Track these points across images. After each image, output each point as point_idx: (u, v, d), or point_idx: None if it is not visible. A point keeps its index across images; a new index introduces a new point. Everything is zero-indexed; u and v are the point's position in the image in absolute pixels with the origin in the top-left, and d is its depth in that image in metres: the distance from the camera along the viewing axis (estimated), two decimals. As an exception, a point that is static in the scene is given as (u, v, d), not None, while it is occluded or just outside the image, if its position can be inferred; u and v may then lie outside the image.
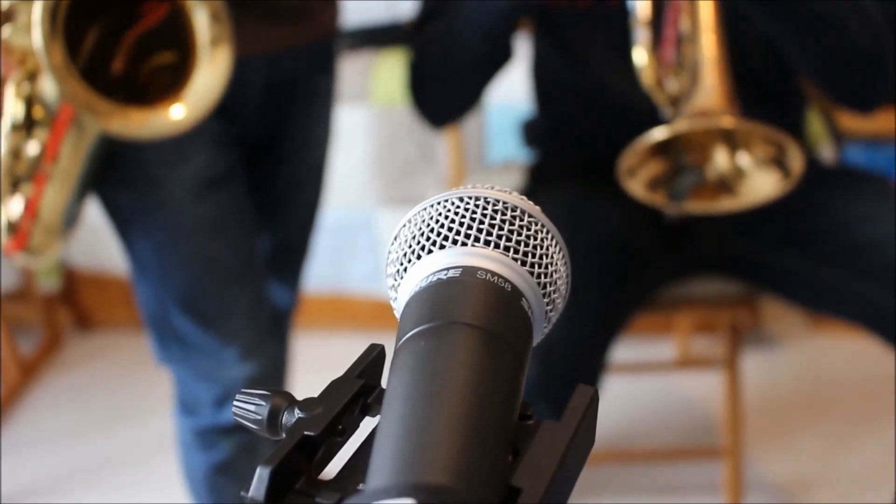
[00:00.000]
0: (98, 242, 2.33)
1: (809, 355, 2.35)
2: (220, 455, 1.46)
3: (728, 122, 1.22)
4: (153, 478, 2.07)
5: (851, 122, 2.17)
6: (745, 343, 2.30)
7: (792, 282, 1.55)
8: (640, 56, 1.32)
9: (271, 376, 1.48)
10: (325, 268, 2.40)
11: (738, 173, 1.31)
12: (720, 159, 1.32)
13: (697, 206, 1.33)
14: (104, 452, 2.19)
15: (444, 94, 1.53)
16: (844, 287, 1.46)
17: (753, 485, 1.93)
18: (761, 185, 1.30)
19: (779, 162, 1.27)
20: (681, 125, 1.23)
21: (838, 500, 1.89)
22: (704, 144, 1.33)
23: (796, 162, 1.25)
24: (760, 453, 2.03)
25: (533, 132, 1.73)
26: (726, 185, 1.31)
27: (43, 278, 2.54)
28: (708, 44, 1.22)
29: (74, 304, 2.67)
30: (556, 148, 1.71)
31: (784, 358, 2.34)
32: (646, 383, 2.23)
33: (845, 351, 2.30)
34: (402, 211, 2.37)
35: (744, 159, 1.30)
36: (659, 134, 1.24)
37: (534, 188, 1.67)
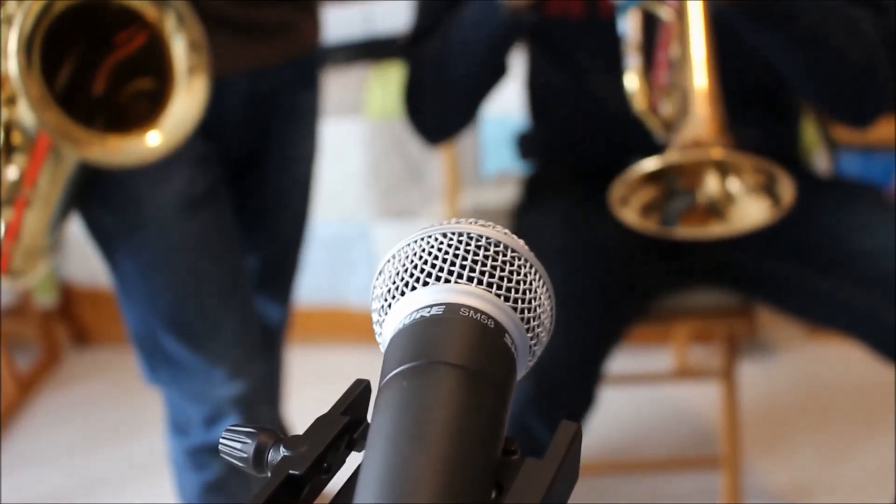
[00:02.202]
0: (94, 258, 2.32)
1: (806, 364, 2.35)
2: (213, 474, 1.46)
3: (719, 153, 1.22)
4: (150, 494, 2.07)
5: (845, 131, 2.17)
6: (743, 352, 2.30)
7: (787, 292, 1.55)
8: (632, 81, 1.33)
9: (261, 394, 1.48)
10: (322, 281, 2.41)
11: (729, 199, 1.32)
12: (711, 184, 1.33)
13: (687, 232, 1.34)
14: (102, 468, 2.19)
15: (441, 113, 1.54)
16: (838, 297, 1.46)
17: (752, 494, 1.93)
18: (751, 211, 1.30)
19: (769, 189, 1.27)
20: (671, 157, 1.23)
21: (836, 508, 1.90)
22: (695, 169, 1.33)
23: (787, 192, 1.25)
24: (758, 462, 2.03)
25: (528, 144, 1.73)
26: (716, 209, 1.32)
27: (40, 294, 2.54)
28: (699, 71, 1.22)
29: (72, 320, 2.67)
30: (551, 160, 1.71)
31: (781, 367, 2.35)
32: (643, 394, 2.23)
33: (842, 359, 2.30)
34: (397, 223, 2.38)
35: (734, 185, 1.31)
36: (649, 165, 1.24)
37: (529, 200, 1.67)
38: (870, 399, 2.15)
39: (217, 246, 1.37)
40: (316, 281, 2.35)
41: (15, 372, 2.45)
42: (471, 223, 0.49)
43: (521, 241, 0.49)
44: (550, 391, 1.37)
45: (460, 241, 0.48)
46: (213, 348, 1.38)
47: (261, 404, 1.47)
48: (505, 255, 0.48)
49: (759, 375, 2.29)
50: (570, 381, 1.42)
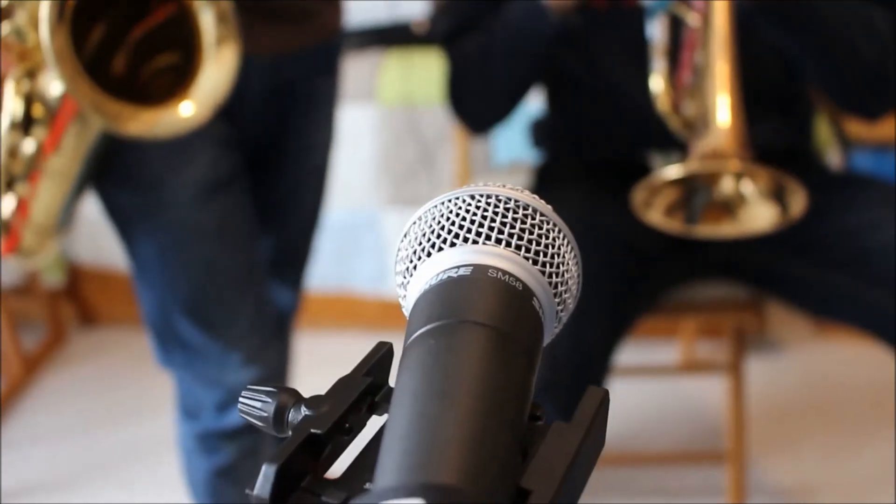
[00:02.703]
0: (102, 238, 2.32)
1: (814, 360, 2.34)
2: (223, 460, 1.45)
3: (737, 166, 1.27)
4: (155, 475, 2.06)
5: (859, 128, 2.16)
6: (750, 348, 2.29)
7: (798, 287, 1.55)
8: (657, 84, 1.38)
9: (275, 380, 1.47)
10: (331, 267, 2.40)
11: (741, 199, 1.36)
12: (726, 183, 1.37)
13: (706, 230, 1.38)
14: (107, 449, 2.19)
15: (486, 107, 1.59)
16: (851, 293, 1.46)
17: (757, 489, 1.93)
18: (759, 215, 1.35)
19: (779, 196, 1.32)
20: (691, 166, 1.28)
21: (842, 504, 1.89)
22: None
23: (798, 203, 1.30)
24: (764, 458, 2.02)
25: (542, 132, 1.73)
26: (730, 208, 1.35)
27: (47, 273, 2.54)
28: (721, 83, 1.27)
29: (78, 300, 2.67)
30: (564, 148, 1.71)
31: (789, 363, 2.34)
32: (650, 387, 2.22)
33: (850, 356, 2.29)
34: (407, 211, 2.37)
35: (747, 188, 1.35)
36: (671, 173, 1.28)
37: (541, 189, 1.67)
38: (877, 397, 2.14)
39: (235, 231, 1.36)
40: (324, 267, 2.34)
41: (21, 351, 2.44)
42: (499, 186, 0.48)
43: (550, 207, 0.48)
44: (560, 380, 1.37)
45: (489, 203, 0.47)
46: (228, 333, 1.38)
47: None
48: (534, 219, 0.47)
49: (767, 371, 2.28)
50: (580, 371, 1.41)
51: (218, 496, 1.48)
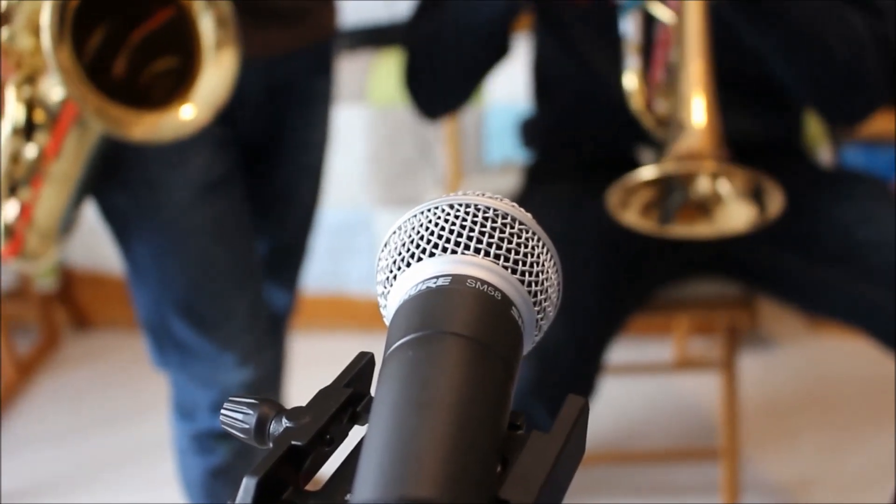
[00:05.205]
0: (96, 242, 2.32)
1: (807, 356, 2.34)
2: (217, 460, 1.46)
3: (713, 167, 1.26)
4: (150, 478, 2.06)
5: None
6: (743, 344, 2.30)
7: (790, 283, 1.55)
8: (631, 82, 1.36)
9: (269, 381, 1.47)
10: (324, 268, 2.40)
11: (717, 199, 1.35)
12: (702, 182, 1.35)
13: (680, 231, 1.36)
14: (101, 452, 2.19)
15: (439, 89, 1.54)
16: (842, 289, 1.46)
17: (751, 486, 1.93)
18: (736, 214, 1.33)
19: (757, 196, 1.30)
20: (667, 167, 1.27)
21: (836, 501, 1.89)
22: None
23: (775, 204, 1.28)
24: (758, 454, 2.02)
25: (531, 132, 1.72)
26: (705, 207, 1.34)
27: (40, 278, 2.54)
28: (696, 82, 1.26)
29: (72, 304, 2.67)
30: (554, 148, 1.70)
31: (782, 359, 2.34)
32: (643, 384, 2.23)
33: (843, 352, 2.30)
34: (400, 211, 2.36)
35: (724, 187, 1.34)
36: (646, 174, 1.27)
37: (531, 189, 1.67)
38: (870, 393, 2.15)
39: (231, 232, 1.37)
40: (318, 268, 2.34)
41: (14, 355, 2.44)
42: (478, 195, 0.48)
43: (529, 215, 0.48)
44: (552, 379, 1.37)
45: (467, 213, 0.47)
46: (223, 334, 1.38)
47: (268, 392, 1.46)
48: (512, 228, 0.47)
49: (760, 368, 2.29)
50: (573, 371, 1.42)
51: (212, 496, 1.49)
